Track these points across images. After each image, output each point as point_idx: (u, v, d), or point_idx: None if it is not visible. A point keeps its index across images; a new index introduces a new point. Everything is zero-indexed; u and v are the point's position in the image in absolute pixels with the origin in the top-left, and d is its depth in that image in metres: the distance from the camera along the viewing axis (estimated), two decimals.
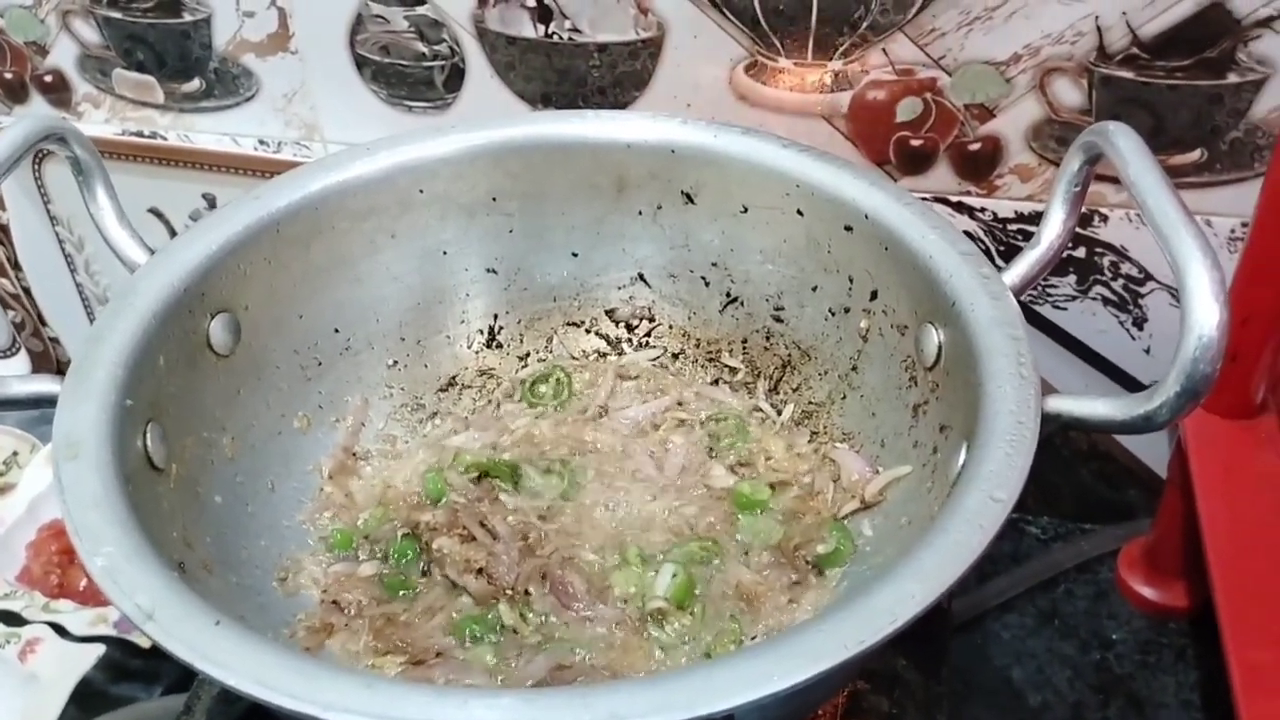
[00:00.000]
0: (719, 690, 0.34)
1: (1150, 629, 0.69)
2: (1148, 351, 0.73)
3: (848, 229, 0.57)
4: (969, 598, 0.70)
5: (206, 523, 0.51)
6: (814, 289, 0.60)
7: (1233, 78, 0.62)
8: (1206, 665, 0.66)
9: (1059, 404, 0.44)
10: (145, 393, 0.49)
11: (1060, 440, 0.77)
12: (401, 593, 0.55)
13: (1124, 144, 0.46)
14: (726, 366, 0.65)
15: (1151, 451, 0.76)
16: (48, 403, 0.47)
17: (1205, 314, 0.39)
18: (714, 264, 0.63)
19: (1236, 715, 0.50)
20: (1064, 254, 0.68)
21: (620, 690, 0.34)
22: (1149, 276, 0.70)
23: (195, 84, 0.82)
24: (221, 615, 0.38)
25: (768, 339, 0.63)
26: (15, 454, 0.88)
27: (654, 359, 0.66)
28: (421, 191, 0.61)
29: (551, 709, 0.34)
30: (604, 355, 0.67)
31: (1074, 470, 0.78)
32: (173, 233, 0.87)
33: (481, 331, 0.66)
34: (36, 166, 0.88)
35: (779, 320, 0.63)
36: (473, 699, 0.34)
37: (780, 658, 0.35)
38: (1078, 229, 0.69)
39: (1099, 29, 0.63)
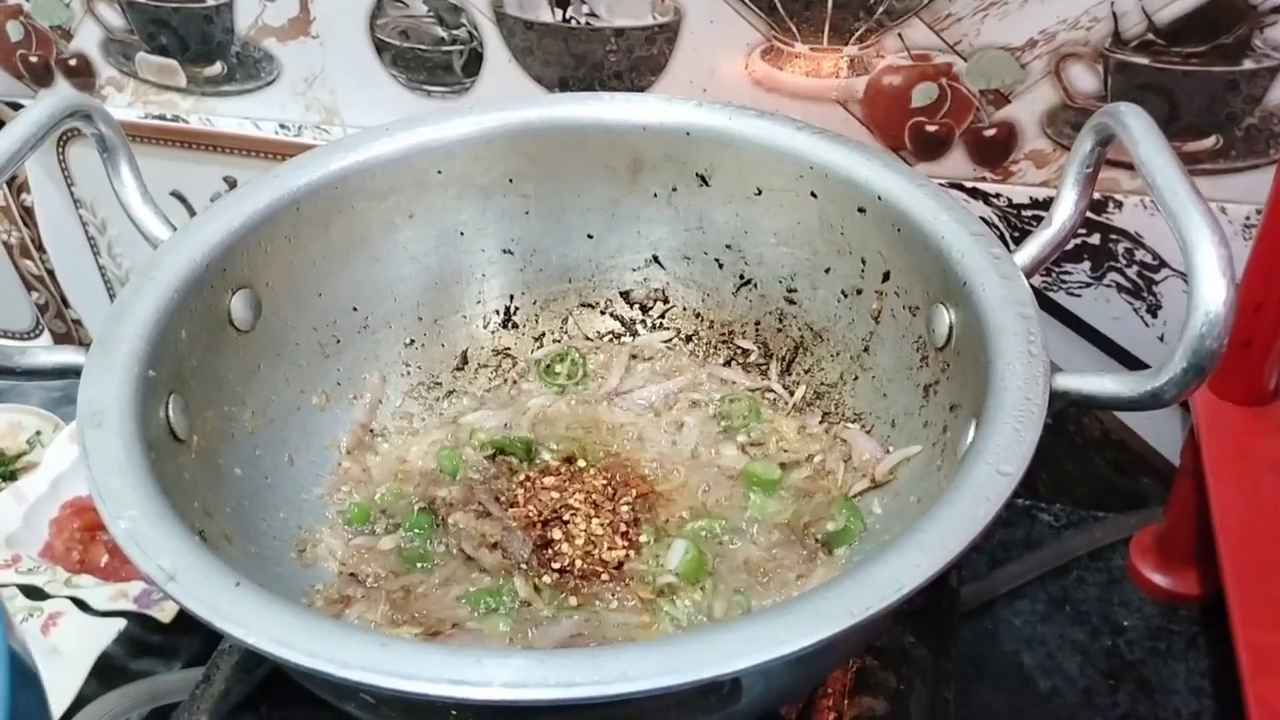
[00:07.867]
0: (726, 653, 0.35)
1: (1161, 616, 0.69)
2: (1161, 339, 0.72)
3: (861, 211, 0.57)
4: (981, 584, 0.71)
5: (226, 494, 0.52)
6: (827, 271, 0.61)
7: (1248, 64, 0.62)
8: (1217, 652, 0.66)
9: (1067, 381, 0.44)
10: (168, 365, 0.50)
11: (1074, 428, 0.77)
12: (418, 565, 0.55)
13: (1135, 125, 0.46)
14: (739, 348, 0.65)
15: (1165, 439, 0.76)
16: (73, 373, 0.48)
17: (1212, 290, 0.39)
18: (728, 246, 0.64)
19: (1244, 697, 0.51)
20: (1077, 238, 0.68)
21: (629, 652, 0.35)
22: (1163, 263, 0.70)
23: (217, 68, 0.83)
24: (241, 578, 0.39)
25: (780, 320, 0.64)
26: (39, 433, 0.89)
27: (668, 340, 0.67)
28: (439, 172, 0.62)
29: (562, 668, 0.34)
30: (618, 336, 0.67)
31: (1087, 458, 0.78)
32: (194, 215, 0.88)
33: (498, 312, 0.66)
34: (60, 150, 0.89)
35: (792, 302, 0.63)
36: (486, 658, 0.35)
37: (787, 622, 0.36)
38: (1092, 215, 0.69)
39: (1114, 14, 0.63)
